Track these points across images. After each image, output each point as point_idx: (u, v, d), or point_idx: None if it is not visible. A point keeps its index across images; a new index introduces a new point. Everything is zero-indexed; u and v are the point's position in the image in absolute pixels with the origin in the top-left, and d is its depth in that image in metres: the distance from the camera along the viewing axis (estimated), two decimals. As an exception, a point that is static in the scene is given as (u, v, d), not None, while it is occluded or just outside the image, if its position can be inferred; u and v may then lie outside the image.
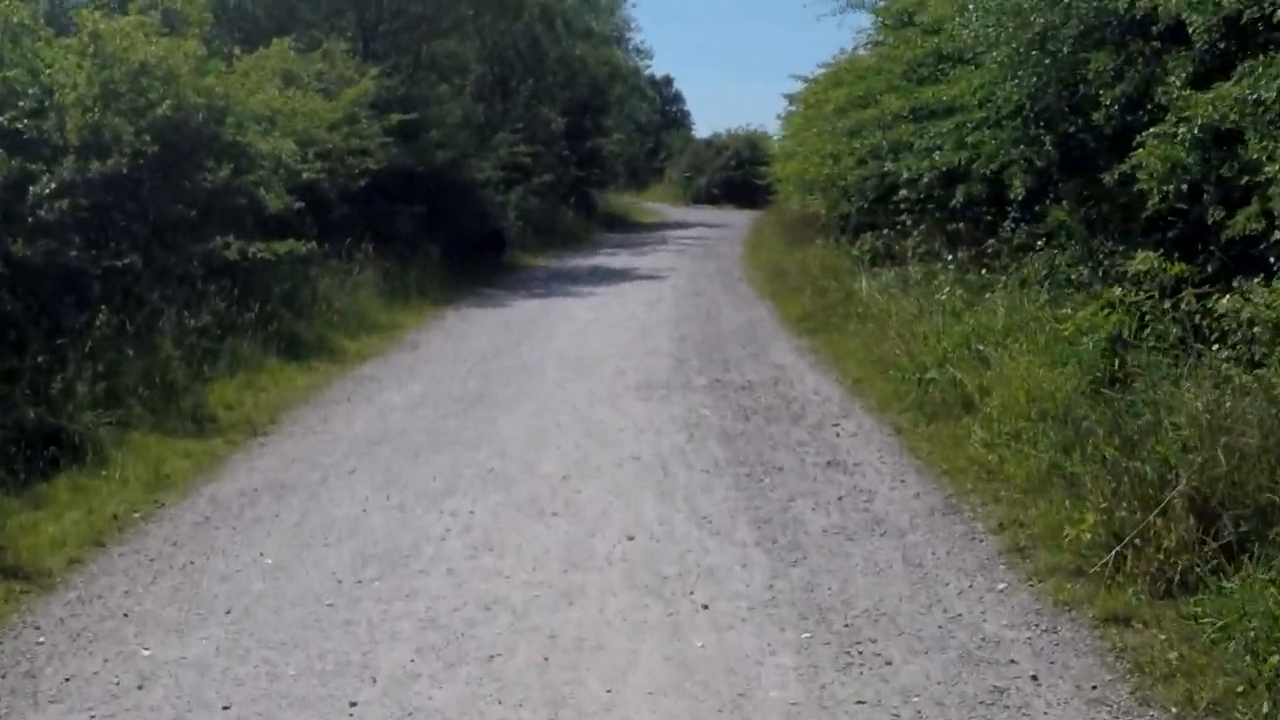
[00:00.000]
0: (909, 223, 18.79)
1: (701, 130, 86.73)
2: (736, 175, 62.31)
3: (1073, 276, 12.51)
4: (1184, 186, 10.20)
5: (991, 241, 15.54)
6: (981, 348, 12.38)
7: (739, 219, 47.36)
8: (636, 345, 16.71)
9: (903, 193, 18.36)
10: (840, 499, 9.49)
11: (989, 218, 16.34)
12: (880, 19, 20.69)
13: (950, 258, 16.10)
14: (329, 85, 23.03)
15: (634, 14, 63.31)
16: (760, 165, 59.49)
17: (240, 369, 14.12)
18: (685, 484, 9.91)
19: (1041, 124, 13.82)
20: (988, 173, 14.70)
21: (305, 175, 19.03)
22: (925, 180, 17.04)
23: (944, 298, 15.24)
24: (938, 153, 16.63)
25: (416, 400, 13.33)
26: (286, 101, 20.35)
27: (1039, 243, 13.84)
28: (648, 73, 67.96)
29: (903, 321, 15.48)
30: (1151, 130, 10.44)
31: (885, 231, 19.59)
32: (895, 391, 12.83)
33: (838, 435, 11.56)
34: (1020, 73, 12.99)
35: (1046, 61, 12.72)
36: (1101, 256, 12.39)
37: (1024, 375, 11.04)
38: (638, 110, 62.98)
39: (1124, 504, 7.82)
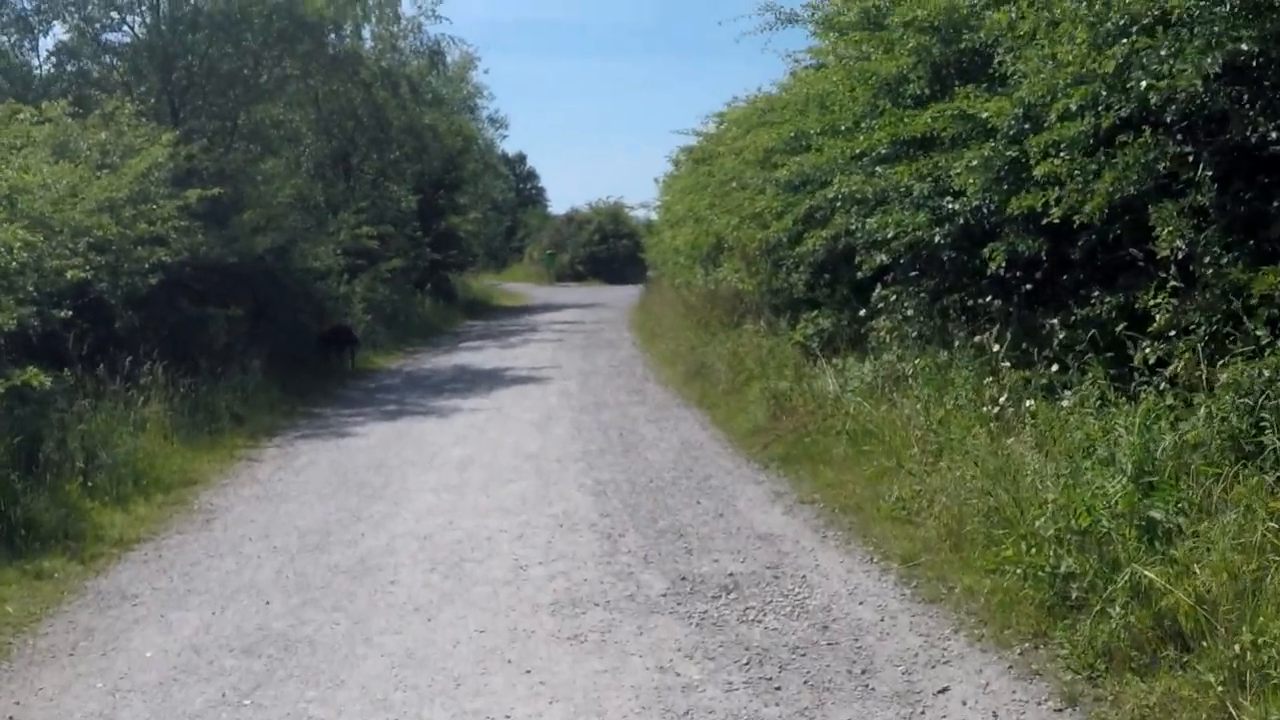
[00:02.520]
0: (892, 297, 13.20)
1: (557, 207, 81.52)
2: (601, 250, 57.77)
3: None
4: None
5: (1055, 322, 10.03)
6: (1158, 515, 6.77)
7: (613, 296, 41.86)
8: (539, 509, 10.71)
9: (880, 258, 12.78)
10: None
11: (1027, 286, 10.91)
12: (830, 32, 14.97)
13: (998, 347, 10.41)
14: (114, 158, 17.10)
15: (486, 81, 57.43)
16: (623, 239, 55.39)
17: (-83, 591, 8.36)
18: None
19: (1179, 134, 8.31)
20: (1074, 219, 9.12)
21: (70, 275, 13.25)
22: (937, 239, 11.46)
23: (992, 409, 9.77)
24: (949, 199, 11.13)
25: (180, 657, 7.35)
26: (33, 176, 14.39)
27: (1194, 323, 8.16)
28: (502, 147, 62.50)
29: (926, 442, 10.03)
30: None
31: (864, 310, 13.94)
32: (1001, 593, 7.20)
33: (964, 723, 5.80)
34: (1189, 45, 7.36)
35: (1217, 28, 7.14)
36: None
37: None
38: (493, 187, 57.18)
39: None
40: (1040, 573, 6.98)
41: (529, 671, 6.72)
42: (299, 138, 28.13)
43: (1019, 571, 7.13)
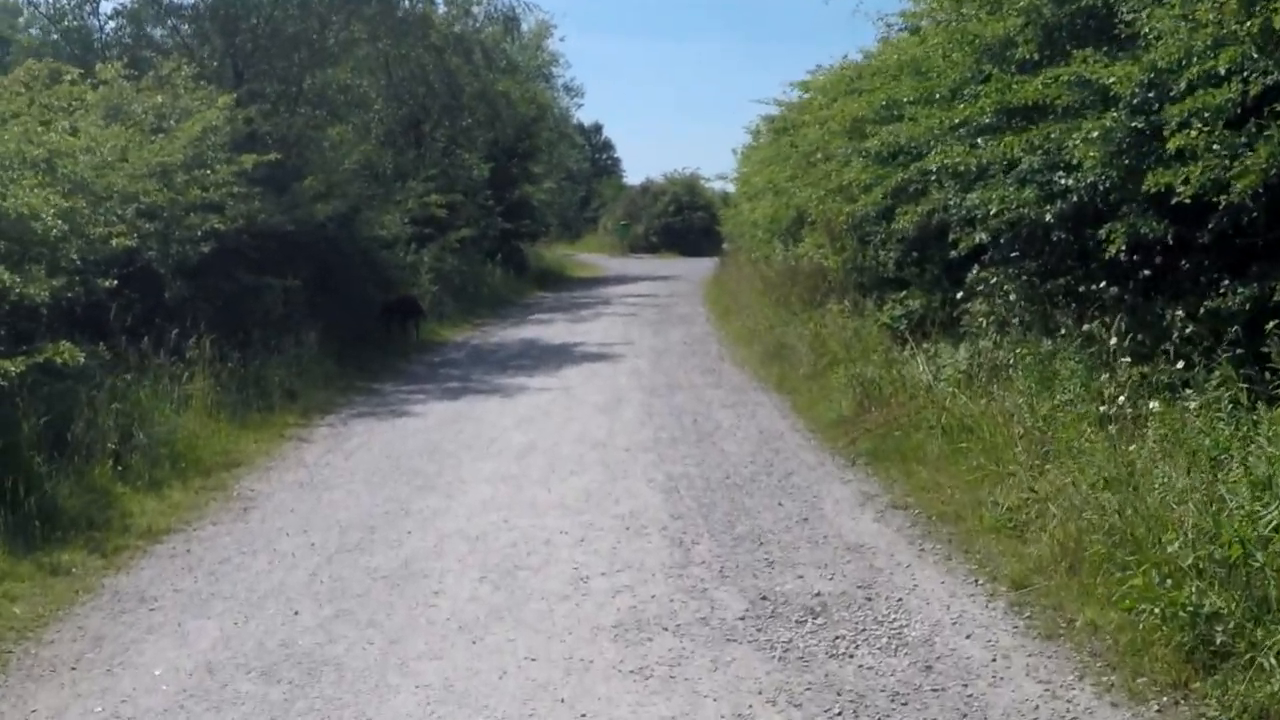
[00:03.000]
0: (992, 279, 12.16)
1: (633, 178, 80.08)
2: (676, 221, 56.59)
3: None
4: None
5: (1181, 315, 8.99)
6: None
7: (687, 269, 40.84)
8: (603, 508, 9.70)
9: (979, 237, 11.77)
10: None
11: (1145, 272, 9.92)
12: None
13: (1114, 340, 9.33)
14: (169, 122, 16.38)
15: (562, 49, 55.82)
16: (699, 210, 54.36)
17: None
18: None
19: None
20: (1212, 199, 8.09)
21: (115, 243, 12.51)
22: (1048, 217, 10.43)
23: (1109, 409, 8.74)
24: (1062, 174, 10.12)
25: (192, 678, 6.47)
26: (79, 139, 13.72)
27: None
28: (577, 117, 61.35)
29: (1031, 441, 9.06)
30: None
31: (960, 292, 12.89)
32: (1130, 630, 6.22)
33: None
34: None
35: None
36: None
37: None
38: (568, 157, 56.09)
39: None
40: (1180, 611, 5.95)
41: (584, 716, 5.78)
42: (367, 103, 27.14)
43: (1155, 610, 6.09)
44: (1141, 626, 6.11)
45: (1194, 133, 8.09)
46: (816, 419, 12.78)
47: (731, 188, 39.40)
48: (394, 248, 24.36)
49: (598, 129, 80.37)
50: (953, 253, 12.93)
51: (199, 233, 14.80)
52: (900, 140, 13.17)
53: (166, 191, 14.61)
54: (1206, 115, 8.03)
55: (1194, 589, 5.97)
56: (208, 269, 15.36)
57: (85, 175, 12.93)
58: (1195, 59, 8.17)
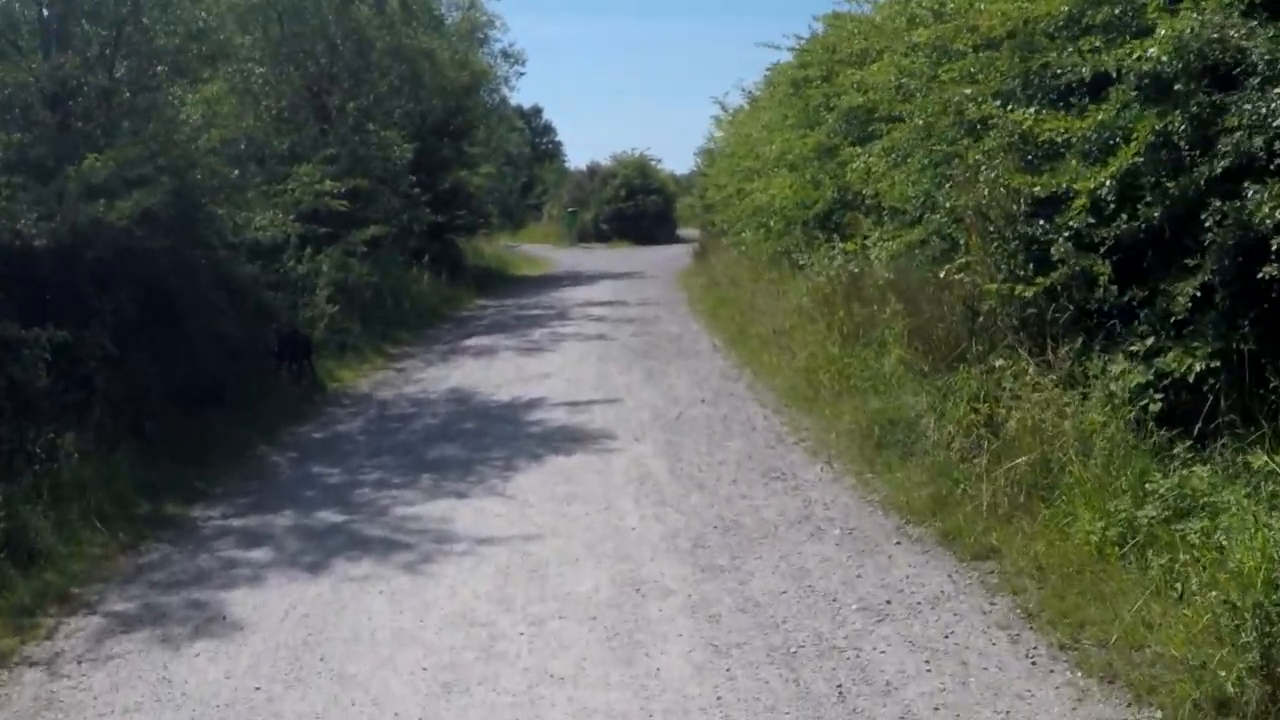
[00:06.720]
0: None
1: (576, 163, 72.32)
2: (628, 207, 49.56)
3: None
4: None
5: None
6: None
7: (649, 262, 33.57)
8: None
9: None
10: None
11: None
12: None
13: None
14: None
15: (500, 11, 47.06)
16: (652, 194, 48.51)
17: None
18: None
19: None
20: None
21: None
22: None
23: None
24: None
25: None
26: None
27: None
28: (515, 98, 53.66)
29: None
30: None
31: None
32: None
33: None
34: None
35: None
36: None
37: None
38: (507, 140, 48.05)
39: None
40: None
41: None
42: (231, 55, 18.95)
43: None
44: None
45: None
46: (1137, 688, 5.22)
47: (702, 165, 32.01)
48: (279, 256, 16.77)
49: (537, 111, 72.82)
50: (1264, 270, 6.39)
51: None
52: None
53: None
54: None
55: None
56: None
57: None
58: None
